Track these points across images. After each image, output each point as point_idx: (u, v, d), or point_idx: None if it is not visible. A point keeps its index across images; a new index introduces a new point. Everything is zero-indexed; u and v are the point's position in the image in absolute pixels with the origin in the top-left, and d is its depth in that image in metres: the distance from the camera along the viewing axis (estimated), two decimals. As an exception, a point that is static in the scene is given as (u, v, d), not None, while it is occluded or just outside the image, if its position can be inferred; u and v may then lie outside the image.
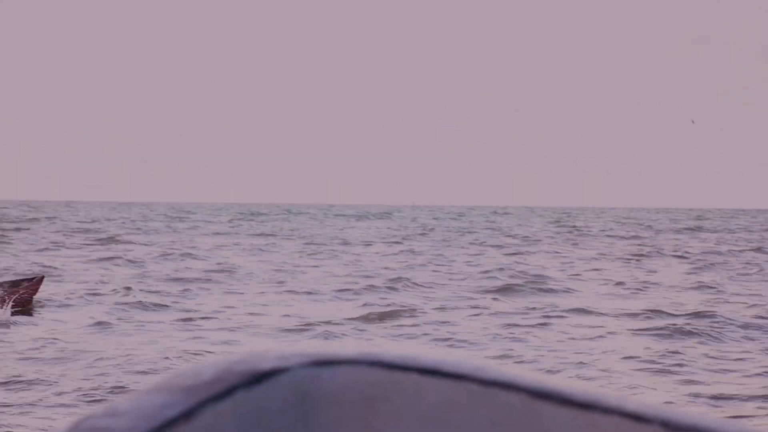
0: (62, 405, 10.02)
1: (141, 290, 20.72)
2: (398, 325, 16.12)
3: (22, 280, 17.82)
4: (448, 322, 16.51)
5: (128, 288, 20.96)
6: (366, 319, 16.58)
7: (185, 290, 21.25)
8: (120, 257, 31.21)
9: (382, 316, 16.93)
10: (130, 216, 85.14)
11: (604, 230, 60.46)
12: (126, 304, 18.52)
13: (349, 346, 0.87)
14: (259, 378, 0.80)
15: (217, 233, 52.01)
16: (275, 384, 0.80)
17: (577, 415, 0.84)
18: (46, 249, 35.08)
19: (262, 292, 21.15)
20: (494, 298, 19.92)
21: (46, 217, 73.03)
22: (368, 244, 42.03)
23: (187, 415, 0.78)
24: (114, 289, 20.94)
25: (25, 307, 17.41)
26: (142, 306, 18.22)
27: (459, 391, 0.84)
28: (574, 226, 66.97)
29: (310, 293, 20.91)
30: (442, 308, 18.32)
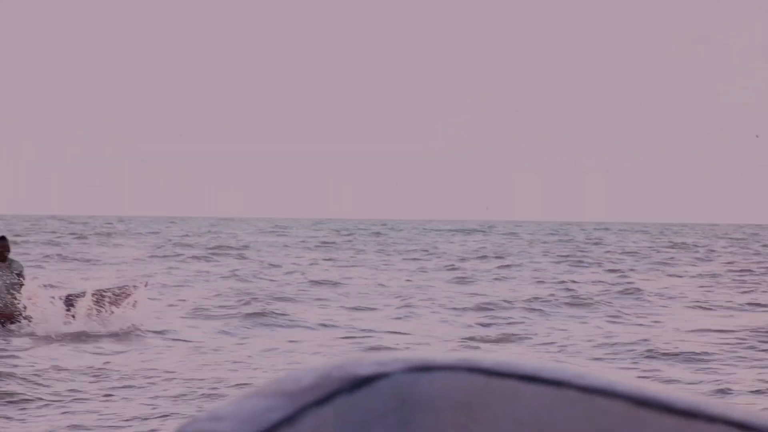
0: (164, 415, 9.77)
1: (247, 303, 20.55)
2: (509, 344, 15.65)
3: (121, 288, 17.66)
4: (567, 339, 16.00)
5: (244, 302, 20.82)
6: (477, 338, 16.12)
7: (290, 303, 21.02)
8: (224, 270, 31.21)
9: (495, 337, 16.48)
10: (227, 230, 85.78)
11: (707, 247, 59.19)
12: (235, 317, 18.32)
13: (446, 352, 0.88)
14: (359, 383, 0.82)
15: (318, 246, 51.99)
16: (375, 389, 0.82)
17: (680, 423, 0.83)
18: (148, 261, 35.28)
19: (368, 309, 20.82)
20: (611, 318, 19.32)
21: (149, 232, 73.89)
22: (475, 259, 41.55)
23: (290, 419, 0.80)
24: (223, 305, 20.79)
25: (124, 314, 17.29)
26: (252, 319, 18.00)
27: (558, 397, 0.84)
28: (683, 243, 65.71)
29: (415, 308, 20.49)
30: (558, 328, 17.78)
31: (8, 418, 9.67)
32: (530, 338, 16.15)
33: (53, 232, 71.02)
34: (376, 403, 0.82)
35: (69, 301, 16.29)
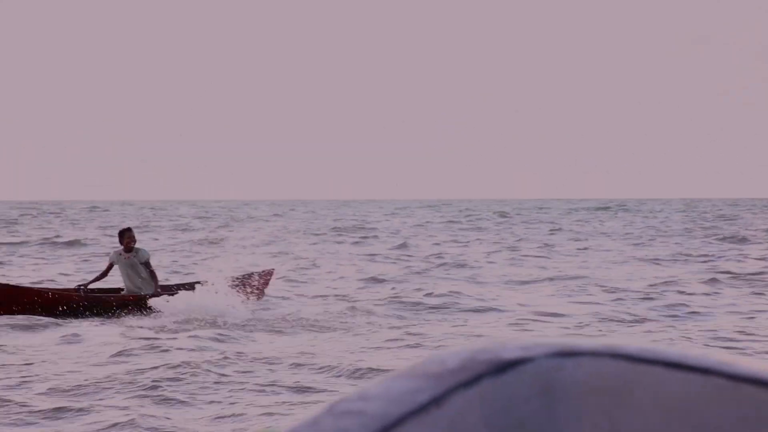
0: (304, 402, 9.43)
1: (383, 284, 20.19)
2: (659, 325, 14.94)
3: (253, 273, 17.60)
4: (727, 322, 15.26)
5: (382, 284, 20.45)
6: (628, 321, 15.42)
7: (431, 285, 20.59)
8: (356, 251, 31.00)
9: (645, 319, 15.80)
10: (351, 212, 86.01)
11: None
12: (373, 300, 17.94)
13: (590, 338, 0.87)
14: (504, 367, 0.83)
15: (444, 228, 51.49)
16: (520, 373, 0.83)
17: None
18: (283, 244, 35.29)
19: (513, 290, 20.27)
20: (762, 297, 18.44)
21: (274, 215, 74.44)
22: (610, 237, 40.63)
23: (438, 400, 0.81)
24: (360, 287, 20.44)
25: (257, 299, 17.16)
26: (394, 301, 17.58)
27: (705, 385, 0.83)
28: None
29: (563, 289, 19.84)
30: (714, 308, 16.99)
31: (181, 402, 9.47)
32: (684, 321, 15.45)
33: (181, 216, 72.02)
34: (520, 387, 0.82)
35: (192, 287, 16.31)
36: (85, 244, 36.07)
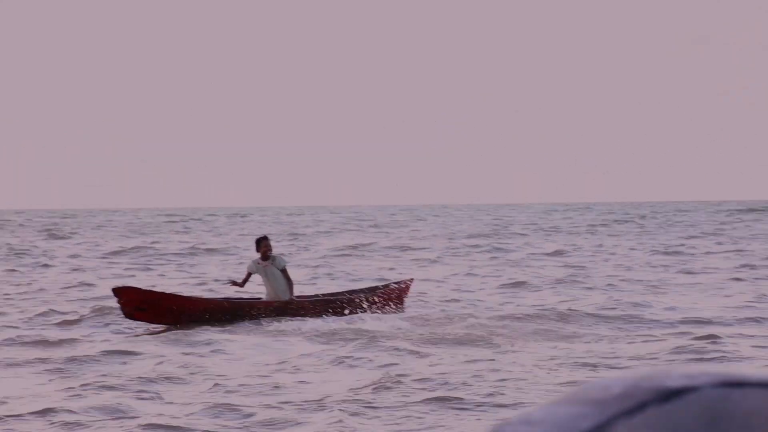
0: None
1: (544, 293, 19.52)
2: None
3: (391, 284, 17.35)
4: None
5: (547, 294, 19.73)
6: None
7: (590, 293, 19.82)
8: (495, 261, 30.38)
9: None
10: (489, 217, 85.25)
11: None
12: (534, 314, 17.21)
13: (759, 368, 0.82)
14: (668, 395, 0.82)
15: (588, 232, 50.48)
16: (685, 402, 0.81)
17: None
18: (399, 252, 34.91)
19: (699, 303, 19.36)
20: None
21: (416, 219, 74.27)
22: None
23: (601, 427, 0.80)
24: (510, 299, 19.80)
25: (397, 311, 16.77)
26: (558, 316, 16.80)
27: None
28: None
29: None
30: None
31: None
32: None
33: (322, 221, 72.40)
34: (685, 417, 0.80)
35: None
36: (228, 251, 36.28)
